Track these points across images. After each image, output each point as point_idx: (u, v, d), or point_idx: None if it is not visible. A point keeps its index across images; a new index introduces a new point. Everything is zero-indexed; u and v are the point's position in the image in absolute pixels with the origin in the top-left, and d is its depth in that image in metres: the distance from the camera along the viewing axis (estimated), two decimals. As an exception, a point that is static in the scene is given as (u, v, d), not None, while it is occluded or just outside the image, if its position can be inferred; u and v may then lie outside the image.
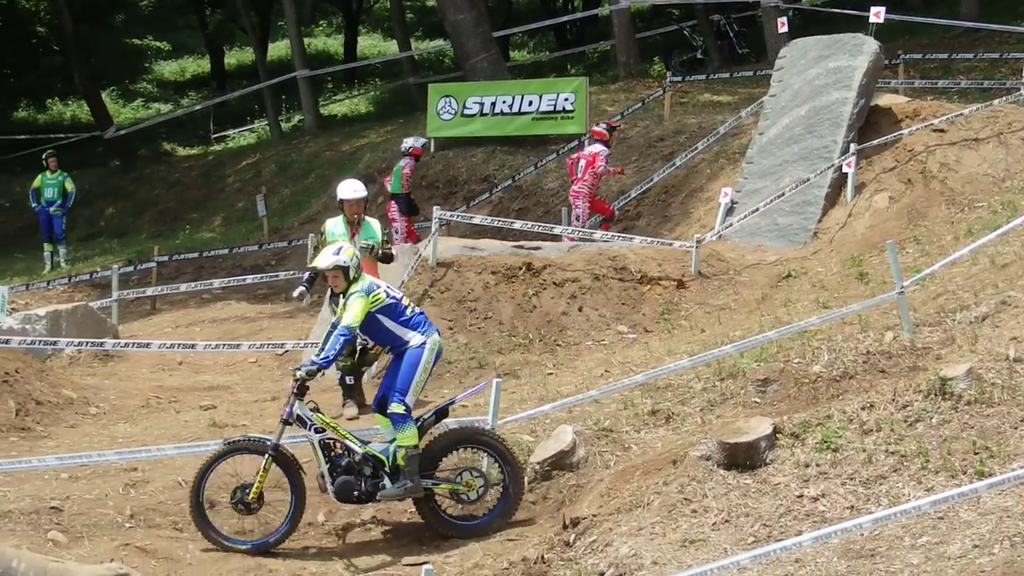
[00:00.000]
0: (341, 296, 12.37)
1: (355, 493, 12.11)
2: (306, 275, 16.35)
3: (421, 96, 33.49)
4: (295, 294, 16.67)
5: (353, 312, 11.99)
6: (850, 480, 10.91)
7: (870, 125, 21.87)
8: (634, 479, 11.48)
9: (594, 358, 16.97)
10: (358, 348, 15.70)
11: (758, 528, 10.50)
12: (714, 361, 14.06)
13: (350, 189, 16.24)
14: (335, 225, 16.09)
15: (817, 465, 11.08)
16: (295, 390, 11.99)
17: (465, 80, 32.26)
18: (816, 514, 10.54)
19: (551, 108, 28.45)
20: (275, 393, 17.83)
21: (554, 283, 18.77)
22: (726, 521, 10.59)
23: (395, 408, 12.11)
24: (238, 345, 18.55)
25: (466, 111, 29.27)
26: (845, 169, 20.97)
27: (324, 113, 43.79)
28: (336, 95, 47.96)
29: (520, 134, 28.99)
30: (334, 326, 12.45)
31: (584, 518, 11.13)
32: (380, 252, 16.02)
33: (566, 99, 28.24)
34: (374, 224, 16.22)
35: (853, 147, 21.06)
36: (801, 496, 10.74)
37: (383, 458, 12.19)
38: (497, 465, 12.46)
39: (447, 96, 29.66)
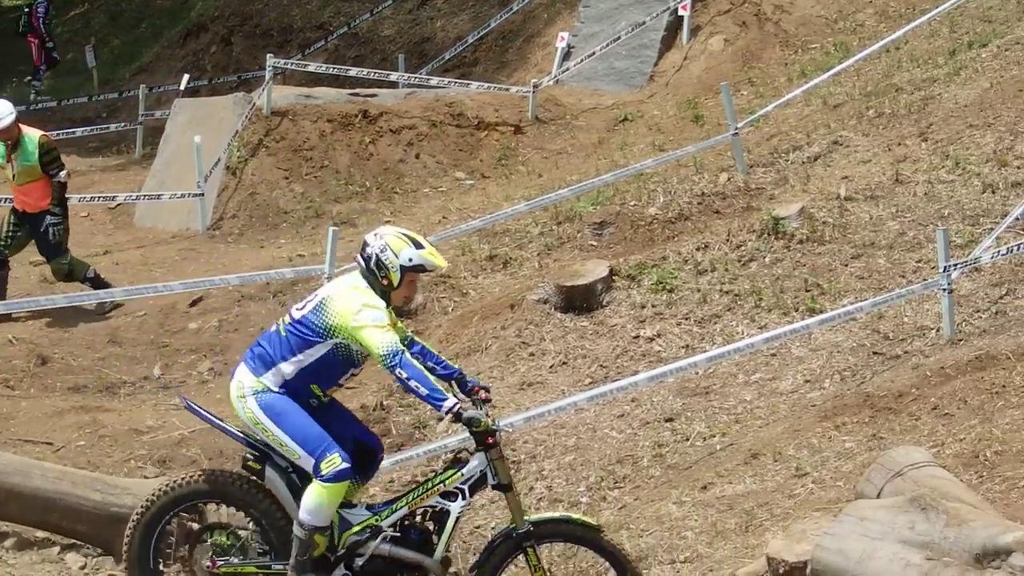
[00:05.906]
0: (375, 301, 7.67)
1: None
2: None
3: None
4: None
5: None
6: (685, 320, 11.06)
7: (705, -33, 21.86)
8: (472, 324, 11.52)
9: (432, 205, 16.92)
10: None
11: (595, 369, 10.60)
12: (551, 205, 14.09)
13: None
14: None
15: (653, 306, 11.21)
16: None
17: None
18: (652, 354, 10.68)
19: (386, -47, 27.97)
20: (107, 247, 17.54)
21: (391, 130, 18.62)
22: (563, 363, 10.69)
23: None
24: (68, 198, 18.13)
25: (299, -43, 28.66)
26: (680, 12, 20.93)
27: (153, -40, 42.70)
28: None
29: (355, -20, 28.49)
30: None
31: (422, 364, 11.13)
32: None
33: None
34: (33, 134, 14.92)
35: (688, -10, 21.05)
36: (637, 337, 10.87)
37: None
38: None
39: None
